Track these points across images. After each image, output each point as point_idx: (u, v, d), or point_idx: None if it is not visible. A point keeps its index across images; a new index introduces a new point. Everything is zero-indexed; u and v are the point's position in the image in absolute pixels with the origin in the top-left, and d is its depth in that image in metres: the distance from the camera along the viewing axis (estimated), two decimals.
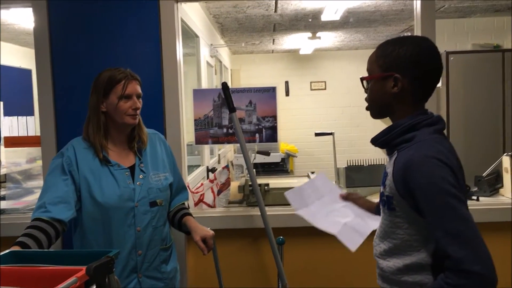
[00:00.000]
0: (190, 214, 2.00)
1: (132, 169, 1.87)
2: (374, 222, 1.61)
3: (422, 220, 1.31)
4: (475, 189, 2.54)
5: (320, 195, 1.81)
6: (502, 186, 2.61)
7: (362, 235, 1.57)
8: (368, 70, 1.45)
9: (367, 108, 1.49)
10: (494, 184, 2.62)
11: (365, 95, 1.48)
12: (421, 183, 1.25)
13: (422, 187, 1.25)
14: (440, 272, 1.28)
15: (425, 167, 1.25)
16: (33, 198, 3.10)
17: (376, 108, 1.46)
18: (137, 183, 1.85)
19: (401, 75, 1.36)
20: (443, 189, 1.23)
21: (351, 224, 1.61)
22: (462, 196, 1.25)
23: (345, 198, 1.79)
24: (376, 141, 1.45)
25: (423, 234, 1.33)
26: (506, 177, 2.54)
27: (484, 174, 2.59)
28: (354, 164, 2.85)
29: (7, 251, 1.41)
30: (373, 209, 1.72)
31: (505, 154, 2.57)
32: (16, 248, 1.51)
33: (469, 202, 1.33)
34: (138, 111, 1.87)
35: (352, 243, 1.54)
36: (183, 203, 2.07)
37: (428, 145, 1.31)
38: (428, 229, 1.30)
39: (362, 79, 1.47)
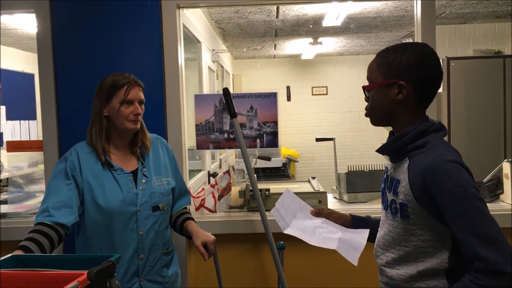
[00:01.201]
0: (192, 219, 2.01)
1: (134, 173, 1.88)
2: (360, 236, 1.59)
3: (439, 226, 1.31)
4: None
5: (293, 214, 1.77)
6: (502, 192, 2.61)
7: (357, 249, 1.54)
8: (368, 78, 1.45)
9: (367, 115, 1.48)
10: (494, 190, 2.63)
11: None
12: (447, 187, 1.25)
13: (448, 192, 1.25)
14: (454, 276, 1.30)
15: (450, 171, 1.26)
16: (35, 202, 3.11)
17: (378, 116, 1.45)
18: (140, 187, 1.86)
19: (405, 82, 1.36)
20: (470, 193, 1.25)
21: (344, 239, 1.59)
22: (483, 199, 1.27)
23: (318, 214, 1.73)
24: (384, 150, 1.44)
25: (439, 240, 1.33)
26: (506, 183, 2.55)
27: (484, 180, 2.59)
28: (355, 170, 2.86)
29: (9, 255, 1.42)
30: (348, 224, 1.68)
31: (505, 160, 2.58)
32: (18, 252, 1.52)
33: None
34: (140, 117, 1.88)
35: (353, 258, 1.53)
36: (185, 207, 2.07)
37: (446, 150, 1.32)
38: (451, 234, 1.29)
39: (364, 87, 1.46)
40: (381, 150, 1.47)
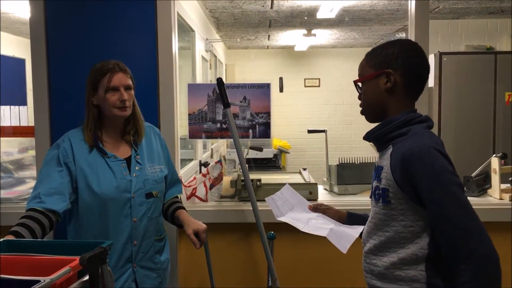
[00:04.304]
0: (183, 208, 2.02)
1: (128, 160, 1.89)
2: (353, 230, 1.62)
3: (420, 210, 1.35)
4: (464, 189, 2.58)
5: (291, 206, 1.83)
6: (490, 187, 2.64)
7: (348, 240, 1.58)
8: (360, 75, 1.51)
9: (362, 112, 1.53)
10: (482, 184, 2.66)
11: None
12: (423, 171, 1.30)
13: (424, 176, 1.29)
14: (434, 263, 1.34)
15: (426, 156, 1.30)
16: (25, 188, 3.10)
17: (371, 110, 1.50)
18: (134, 174, 1.86)
19: (392, 70, 1.43)
20: (445, 178, 1.28)
21: (336, 230, 1.63)
22: (461, 185, 1.31)
23: (314, 209, 1.79)
24: (370, 136, 1.49)
25: (419, 225, 1.36)
26: (494, 178, 2.58)
27: (472, 175, 2.62)
28: (345, 162, 2.88)
29: (0, 240, 1.43)
30: (344, 220, 1.72)
31: (494, 155, 2.61)
32: (10, 237, 1.52)
33: None
34: (128, 103, 1.84)
35: (342, 246, 1.56)
36: (177, 196, 2.09)
37: (425, 136, 1.37)
38: (428, 218, 1.33)
39: (355, 82, 1.52)
40: (366, 136, 1.51)
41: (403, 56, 1.43)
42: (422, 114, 1.46)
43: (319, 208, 1.79)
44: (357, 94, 1.53)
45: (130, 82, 1.86)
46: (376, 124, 1.50)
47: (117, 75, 1.82)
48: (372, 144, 1.54)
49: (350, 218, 1.72)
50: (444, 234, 1.28)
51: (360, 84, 1.51)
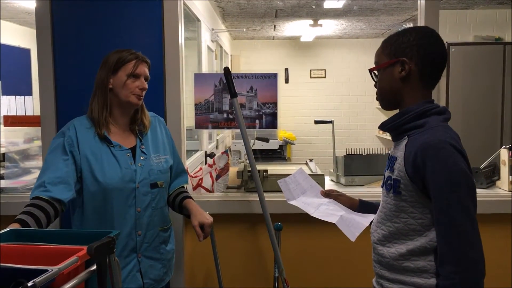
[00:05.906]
0: (190, 197, 2.01)
1: (133, 150, 1.87)
2: (363, 219, 1.62)
3: (429, 203, 1.34)
4: None
5: (303, 190, 1.84)
6: (498, 179, 2.62)
7: (357, 228, 1.58)
8: (376, 63, 1.50)
9: (377, 99, 1.52)
10: (491, 176, 2.64)
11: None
12: (434, 167, 1.29)
13: (435, 171, 1.29)
14: None
15: (441, 152, 1.29)
16: (31, 177, 3.11)
17: (386, 97, 1.49)
18: (138, 164, 1.85)
19: (407, 58, 1.41)
20: (455, 177, 1.28)
21: (346, 217, 1.62)
22: (472, 184, 1.30)
23: (327, 195, 1.79)
24: (386, 126, 1.48)
25: (429, 217, 1.36)
26: (503, 169, 2.56)
27: (481, 166, 2.60)
28: (352, 153, 2.86)
29: (7, 229, 1.42)
30: (356, 207, 1.73)
31: (503, 146, 2.59)
32: (15, 226, 1.52)
33: None
34: (144, 93, 1.87)
35: (351, 234, 1.56)
36: (183, 186, 2.07)
37: (442, 131, 1.35)
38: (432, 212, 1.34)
39: (370, 70, 1.50)
40: (382, 126, 1.50)
41: (418, 44, 1.40)
42: (440, 105, 1.44)
43: (331, 194, 1.79)
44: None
45: (148, 75, 1.90)
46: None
47: (142, 64, 1.86)
48: (379, 135, 1.53)
49: (362, 206, 1.72)
50: (442, 232, 1.30)
51: (376, 72, 1.49)
